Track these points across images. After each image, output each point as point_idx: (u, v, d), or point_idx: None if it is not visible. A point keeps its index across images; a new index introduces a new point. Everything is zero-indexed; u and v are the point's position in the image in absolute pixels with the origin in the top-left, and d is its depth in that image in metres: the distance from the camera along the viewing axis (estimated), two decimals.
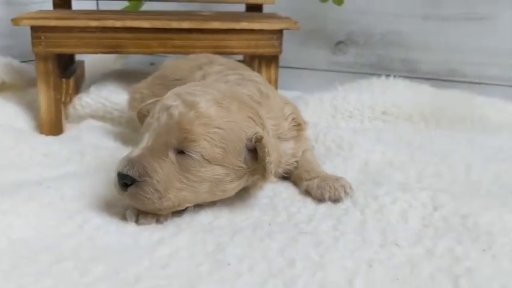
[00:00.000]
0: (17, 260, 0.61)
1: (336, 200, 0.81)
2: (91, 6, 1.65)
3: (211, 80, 0.89)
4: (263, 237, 0.68)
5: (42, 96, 1.12)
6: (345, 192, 0.81)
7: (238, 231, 0.70)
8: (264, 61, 1.18)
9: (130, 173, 0.68)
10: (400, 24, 1.44)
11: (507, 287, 0.57)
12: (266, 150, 0.70)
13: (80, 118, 1.20)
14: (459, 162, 1.00)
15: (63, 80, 1.15)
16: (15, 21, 1.07)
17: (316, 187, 0.82)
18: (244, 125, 0.72)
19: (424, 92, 1.37)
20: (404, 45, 1.46)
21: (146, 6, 1.42)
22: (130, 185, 0.68)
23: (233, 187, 0.74)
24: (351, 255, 0.65)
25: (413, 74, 1.45)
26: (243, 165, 0.72)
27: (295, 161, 0.87)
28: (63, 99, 1.14)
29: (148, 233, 0.69)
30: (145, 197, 0.68)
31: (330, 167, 0.95)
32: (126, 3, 1.43)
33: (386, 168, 0.98)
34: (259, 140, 0.71)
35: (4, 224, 0.67)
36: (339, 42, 1.51)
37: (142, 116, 0.79)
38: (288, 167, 0.87)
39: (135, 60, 1.61)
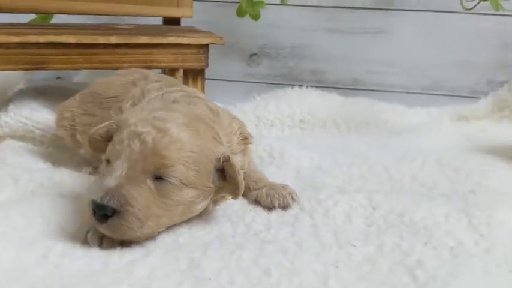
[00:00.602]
0: None
1: (285, 207, 0.86)
2: None
3: (154, 98, 0.89)
4: (232, 249, 0.72)
5: None
6: (292, 199, 0.87)
7: (206, 245, 0.72)
8: (191, 74, 1.20)
9: (111, 204, 0.66)
10: (308, 38, 1.55)
11: (454, 274, 0.67)
12: (236, 169, 0.74)
13: None
14: (376, 163, 1.11)
15: None
16: None
17: (266, 196, 0.87)
18: (212, 146, 0.75)
19: (333, 100, 1.48)
20: (312, 57, 1.56)
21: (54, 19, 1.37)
22: (110, 216, 0.67)
23: (201, 207, 0.76)
24: (316, 259, 0.70)
25: (321, 83, 1.56)
26: (211, 185, 0.75)
27: (243, 173, 0.91)
28: None
29: (116, 256, 0.69)
30: (127, 227, 0.67)
31: (267, 176, 1.00)
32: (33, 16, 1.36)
33: (317, 173, 1.05)
34: (227, 159, 0.74)
35: None
36: (253, 55, 1.58)
37: (95, 141, 0.77)
38: None
39: (40, 76, 1.54)
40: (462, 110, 1.48)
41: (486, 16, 1.42)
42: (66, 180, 0.93)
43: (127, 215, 0.67)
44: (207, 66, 1.20)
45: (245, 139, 0.90)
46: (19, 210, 0.76)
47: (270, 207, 0.86)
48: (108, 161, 0.72)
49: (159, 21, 1.43)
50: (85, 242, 0.72)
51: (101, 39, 1.09)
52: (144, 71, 1.05)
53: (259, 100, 1.42)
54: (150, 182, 0.69)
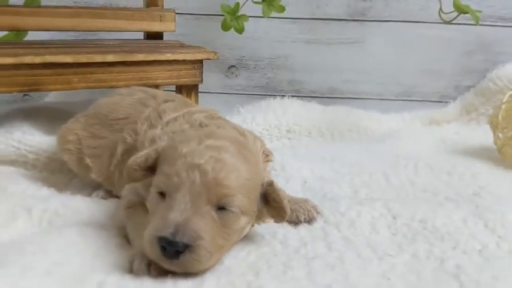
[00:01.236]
0: None
1: (310, 221, 0.88)
2: None
3: (174, 119, 0.88)
4: (282, 269, 0.72)
5: None
6: (317, 212, 0.89)
7: (255, 267, 0.72)
8: (185, 90, 1.19)
9: (184, 240, 0.65)
10: (285, 49, 1.58)
11: (495, 276, 0.71)
12: (281, 193, 0.75)
13: None
14: (375, 171, 1.15)
15: None
16: None
17: (291, 211, 0.89)
18: (258, 171, 0.76)
19: (314, 110, 1.52)
20: (290, 68, 1.59)
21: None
22: (181, 252, 0.66)
23: (247, 231, 0.77)
24: (365, 272, 0.73)
25: (299, 93, 1.60)
26: (256, 210, 0.76)
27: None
28: None
29: (170, 285, 0.68)
30: (198, 261, 0.67)
31: None
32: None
33: (323, 184, 1.08)
34: (270, 184, 0.76)
35: None
36: (231, 67, 1.58)
37: (133, 171, 0.75)
38: None
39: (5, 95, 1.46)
40: (433, 115, 1.57)
41: (450, 26, 1.50)
42: (81, 206, 0.89)
43: (198, 249, 0.66)
44: (201, 81, 1.20)
45: (267, 157, 0.91)
46: (51, 244, 0.73)
47: (295, 222, 0.88)
48: (161, 194, 0.70)
49: (139, 35, 1.40)
50: (131, 272, 0.70)
51: (98, 58, 1.06)
52: (148, 89, 1.03)
53: (243, 112, 1.43)
54: (213, 213, 0.69)
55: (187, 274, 0.69)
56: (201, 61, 1.18)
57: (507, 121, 1.22)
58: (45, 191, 0.97)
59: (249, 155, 0.76)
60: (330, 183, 1.08)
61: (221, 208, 0.70)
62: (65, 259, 0.70)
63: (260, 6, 1.33)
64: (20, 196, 0.92)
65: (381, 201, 0.94)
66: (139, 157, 0.75)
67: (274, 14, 1.46)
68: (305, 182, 1.09)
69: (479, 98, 1.56)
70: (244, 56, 1.58)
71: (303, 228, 0.86)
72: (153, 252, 0.67)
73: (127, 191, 0.84)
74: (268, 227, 0.86)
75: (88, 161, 0.96)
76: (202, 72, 1.19)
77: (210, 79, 1.58)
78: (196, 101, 1.21)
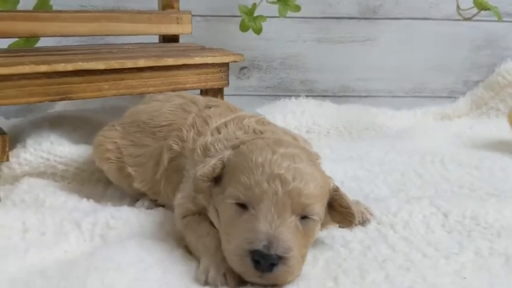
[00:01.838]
0: None
1: (364, 223, 0.88)
2: None
3: (225, 125, 0.85)
4: (358, 273, 0.71)
5: None
6: (370, 213, 0.89)
7: (330, 273, 0.71)
8: (211, 93, 1.17)
9: (278, 252, 0.64)
10: (297, 49, 1.57)
11: None
12: (348, 199, 0.75)
13: (14, 178, 1.01)
14: (406, 169, 1.16)
15: None
16: None
17: None
18: (326, 178, 0.75)
19: (329, 109, 1.52)
20: (302, 67, 1.59)
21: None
22: (275, 264, 0.64)
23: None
24: (436, 272, 0.73)
25: (311, 93, 1.59)
26: (323, 216, 0.75)
27: None
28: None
29: None
30: (292, 273, 0.66)
31: None
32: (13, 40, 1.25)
33: (360, 184, 1.08)
34: (336, 189, 0.75)
35: None
36: (243, 68, 1.56)
37: (201, 182, 0.72)
38: None
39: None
40: (444, 110, 1.60)
41: (457, 22, 1.52)
42: (131, 218, 0.86)
43: (290, 261, 0.65)
44: (227, 84, 1.18)
45: (317, 160, 0.90)
46: (122, 260, 0.70)
47: None
48: (239, 205, 0.69)
49: (152, 39, 1.37)
50: (206, 284, 0.68)
51: (129, 64, 1.03)
52: (184, 94, 1.02)
53: (261, 114, 1.41)
54: (298, 223, 0.68)
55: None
56: (227, 64, 1.16)
57: None
58: (86, 203, 0.94)
59: (316, 162, 0.75)
60: (366, 183, 1.08)
61: (303, 217, 0.69)
62: (141, 275, 0.67)
63: (272, 6, 1.32)
64: (63, 210, 0.88)
65: (426, 199, 0.95)
66: (205, 168, 0.73)
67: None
68: (342, 183, 1.08)
69: (488, 92, 1.59)
70: (256, 57, 1.56)
71: (358, 231, 0.86)
72: (243, 266, 0.65)
73: (182, 199, 0.81)
74: (324, 231, 0.85)
75: (130, 170, 0.93)
76: (228, 75, 1.17)
77: None
78: None
